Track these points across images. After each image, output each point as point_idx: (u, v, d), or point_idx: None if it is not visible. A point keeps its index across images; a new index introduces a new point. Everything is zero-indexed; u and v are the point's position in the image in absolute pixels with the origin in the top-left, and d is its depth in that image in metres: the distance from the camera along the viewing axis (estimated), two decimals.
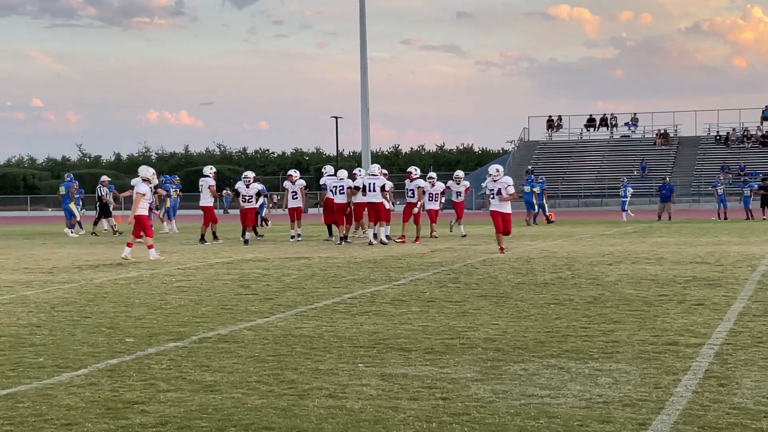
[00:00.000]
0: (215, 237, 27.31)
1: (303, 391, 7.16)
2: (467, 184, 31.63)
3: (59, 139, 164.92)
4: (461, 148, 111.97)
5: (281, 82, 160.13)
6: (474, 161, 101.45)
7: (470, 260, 19.25)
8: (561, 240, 26.57)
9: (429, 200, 27.62)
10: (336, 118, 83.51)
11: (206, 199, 26.92)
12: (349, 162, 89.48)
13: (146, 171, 21.26)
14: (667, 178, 47.41)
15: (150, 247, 20.77)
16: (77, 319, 11.33)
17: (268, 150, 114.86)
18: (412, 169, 27.32)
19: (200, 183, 27.29)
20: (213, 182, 26.81)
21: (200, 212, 27.51)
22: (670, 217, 41.14)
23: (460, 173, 31.12)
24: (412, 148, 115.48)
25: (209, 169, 27.52)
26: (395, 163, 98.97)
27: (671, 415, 6.25)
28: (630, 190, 44.77)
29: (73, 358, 8.68)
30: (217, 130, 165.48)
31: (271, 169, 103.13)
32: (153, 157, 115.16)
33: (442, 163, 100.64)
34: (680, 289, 13.46)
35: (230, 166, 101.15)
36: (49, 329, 10.53)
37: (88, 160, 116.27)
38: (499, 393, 7.01)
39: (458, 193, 30.35)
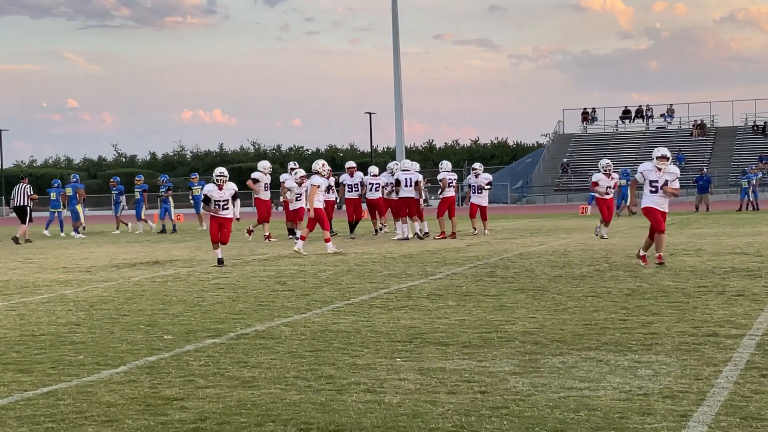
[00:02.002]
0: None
1: (341, 386, 7.16)
2: (488, 177, 28.98)
3: (95, 140, 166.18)
4: (496, 142, 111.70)
5: (314, 79, 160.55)
6: (509, 155, 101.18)
7: (506, 254, 19.18)
8: None
9: (473, 193, 26.64)
10: (369, 114, 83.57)
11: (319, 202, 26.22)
12: (384, 158, 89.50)
13: (316, 164, 21.13)
14: (705, 169, 47.06)
15: (327, 240, 20.74)
16: (116, 317, 11.40)
17: (302, 147, 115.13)
18: (442, 163, 26.67)
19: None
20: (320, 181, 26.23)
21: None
22: (708, 208, 40.83)
23: (477, 165, 27.96)
24: (446, 143, 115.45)
25: (293, 164, 26.98)
26: (429, 158, 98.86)
27: (712, 407, 6.19)
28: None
29: (112, 356, 8.73)
30: (251, 128, 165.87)
31: (305, 166, 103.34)
32: (188, 156, 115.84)
33: (477, 157, 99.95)
34: (719, 280, 13.34)
35: None
36: (89, 327, 10.60)
37: (123, 160, 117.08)
38: (537, 386, 6.98)
39: (479, 188, 27.56)
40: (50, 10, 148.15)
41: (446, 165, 26.35)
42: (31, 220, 29.96)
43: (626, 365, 7.65)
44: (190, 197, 35.76)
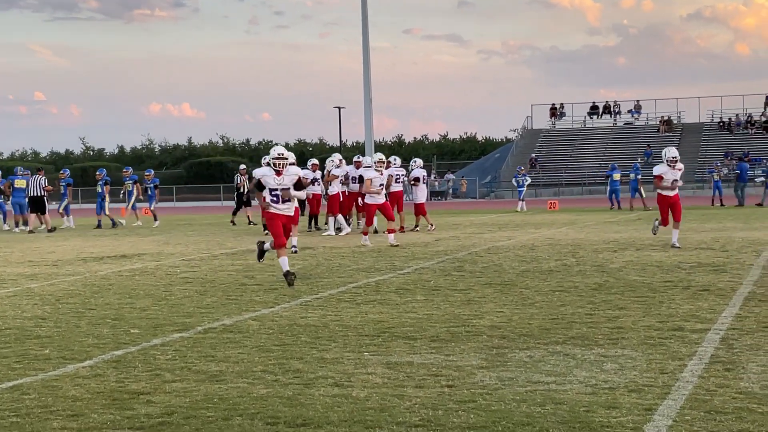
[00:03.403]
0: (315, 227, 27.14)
1: (308, 380, 7.15)
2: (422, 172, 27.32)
3: (62, 133, 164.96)
4: (465, 137, 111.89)
5: (283, 73, 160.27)
6: (478, 150, 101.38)
7: (474, 249, 19.23)
8: (565, 227, 26.55)
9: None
10: (339, 108, 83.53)
11: (334, 187, 25.59)
12: (353, 153, 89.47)
13: (370, 158, 21.26)
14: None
15: (390, 231, 20.56)
16: (82, 311, 11.33)
17: (271, 141, 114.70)
18: (391, 158, 26.24)
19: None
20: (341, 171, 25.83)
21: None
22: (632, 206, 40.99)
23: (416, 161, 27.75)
24: (415, 137, 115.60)
25: (338, 156, 26.74)
26: (399, 153, 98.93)
27: (677, 401, 6.24)
28: (528, 180, 42.75)
29: (78, 350, 8.68)
30: (220, 121, 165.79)
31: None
32: (156, 150, 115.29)
33: (446, 152, 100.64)
34: (685, 275, 13.44)
35: (234, 158, 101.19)
36: (54, 321, 10.53)
37: (91, 153, 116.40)
38: (504, 380, 7.00)
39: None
40: (17, 2, 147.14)
41: (418, 162, 26.86)
42: (45, 211, 31.55)
43: (592, 359, 7.69)
44: (122, 192, 34.66)
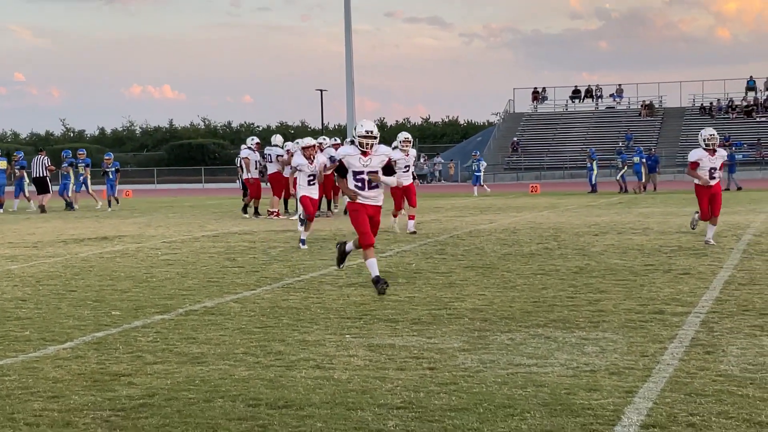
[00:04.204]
0: (256, 212, 26.01)
1: (290, 362, 7.15)
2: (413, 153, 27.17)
3: (42, 114, 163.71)
4: (446, 120, 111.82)
5: (265, 56, 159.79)
6: (459, 134, 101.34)
7: (456, 232, 19.24)
8: (547, 211, 26.60)
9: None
10: (321, 91, 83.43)
11: (273, 169, 25.64)
12: (335, 135, 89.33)
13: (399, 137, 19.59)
14: (653, 149, 47.46)
15: (411, 217, 19.22)
16: (63, 292, 11.29)
17: (253, 123, 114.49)
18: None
19: (267, 153, 26.18)
20: (282, 152, 25.84)
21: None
22: (655, 188, 41.25)
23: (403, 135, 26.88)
24: (397, 120, 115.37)
25: (279, 139, 26.47)
26: (381, 136, 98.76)
27: (658, 383, 6.26)
28: (484, 164, 43.00)
29: (59, 332, 8.65)
30: (201, 103, 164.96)
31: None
32: (137, 132, 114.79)
33: (428, 135, 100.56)
34: (666, 259, 13.49)
35: (215, 140, 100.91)
36: (35, 303, 10.49)
37: (71, 135, 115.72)
38: (486, 362, 7.02)
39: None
40: None
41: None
42: (49, 190, 32.27)
43: (573, 342, 7.71)
44: (61, 173, 33.94)
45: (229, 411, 5.81)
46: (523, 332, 8.17)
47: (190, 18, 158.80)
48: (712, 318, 8.68)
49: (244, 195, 27.23)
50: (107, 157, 34.70)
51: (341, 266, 12.29)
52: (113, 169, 33.63)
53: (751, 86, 71.33)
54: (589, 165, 41.74)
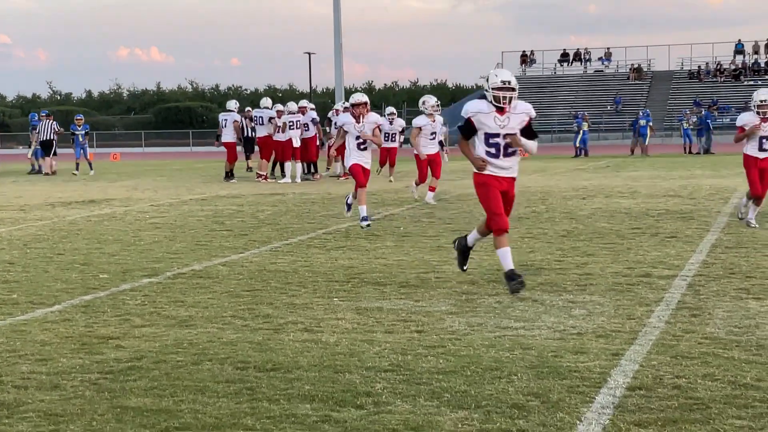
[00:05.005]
0: (231, 175, 25.95)
1: (278, 326, 7.17)
2: (402, 123, 26.15)
3: (29, 76, 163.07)
4: (435, 84, 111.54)
5: (252, 18, 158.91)
6: (448, 97, 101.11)
7: (444, 196, 19.24)
8: (535, 174, 26.62)
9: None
10: (309, 54, 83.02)
11: (229, 136, 25.94)
12: (323, 98, 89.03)
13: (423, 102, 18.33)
14: (641, 113, 47.42)
15: (432, 189, 17.78)
16: (50, 255, 11.27)
17: (240, 87, 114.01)
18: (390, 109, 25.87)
19: (222, 119, 26.37)
20: (238, 117, 25.90)
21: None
22: (643, 152, 41.29)
23: (390, 109, 26.06)
24: (385, 84, 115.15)
25: (233, 104, 26.58)
26: (370, 99, 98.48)
27: (644, 346, 6.30)
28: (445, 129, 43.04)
29: (47, 295, 8.64)
30: (189, 66, 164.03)
31: (244, 105, 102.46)
32: (125, 95, 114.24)
33: (416, 99, 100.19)
34: (653, 222, 13.52)
35: (203, 103, 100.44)
36: (23, 266, 10.47)
37: (58, 98, 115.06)
38: (473, 325, 7.04)
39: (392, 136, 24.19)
40: None
41: (389, 109, 26.27)
42: (56, 153, 32.42)
43: (561, 305, 7.74)
44: (72, 140, 33.65)
45: (217, 374, 5.83)
46: (511, 295, 8.19)
47: None
48: (698, 281, 8.72)
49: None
50: (78, 118, 34.01)
51: (465, 268, 9.22)
52: (83, 132, 33.00)
53: (739, 49, 71.28)
54: (578, 129, 41.99)
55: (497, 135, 8.62)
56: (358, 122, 14.12)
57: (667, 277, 8.98)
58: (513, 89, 8.66)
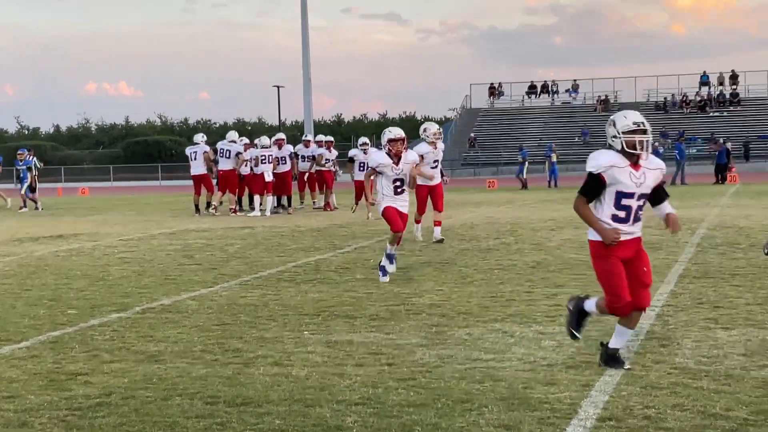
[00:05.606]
0: (208, 205, 25.55)
1: (248, 360, 7.14)
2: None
3: None
4: (404, 116, 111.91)
5: (221, 52, 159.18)
6: (417, 130, 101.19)
7: (414, 227, 19.22)
8: (504, 206, 26.71)
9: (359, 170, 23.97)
10: (278, 87, 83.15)
11: (200, 168, 25.41)
12: (292, 132, 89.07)
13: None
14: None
15: (437, 224, 16.61)
16: (18, 291, 11.18)
17: (210, 120, 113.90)
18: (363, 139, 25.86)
19: (191, 152, 25.91)
20: (207, 148, 25.55)
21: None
22: None
23: (363, 140, 25.28)
24: (354, 117, 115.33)
25: (200, 137, 26.19)
26: (338, 132, 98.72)
27: (614, 376, 6.32)
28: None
29: (14, 331, 8.56)
30: (158, 100, 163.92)
31: (213, 139, 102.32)
32: (93, 129, 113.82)
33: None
34: None
35: (172, 137, 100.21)
36: None
37: (26, 132, 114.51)
38: (444, 358, 7.04)
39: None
40: None
41: (362, 139, 26.03)
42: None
43: (531, 336, 7.76)
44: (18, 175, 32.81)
45: (186, 409, 5.79)
46: (481, 327, 8.21)
47: (146, 14, 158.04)
48: (667, 311, 8.77)
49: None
50: (19, 153, 32.64)
51: (579, 334, 7.16)
52: (24, 167, 31.69)
53: (704, 81, 72.03)
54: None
55: (632, 195, 6.94)
56: (396, 163, 11.90)
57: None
58: (646, 131, 6.89)
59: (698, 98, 70.92)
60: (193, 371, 6.80)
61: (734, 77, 71.28)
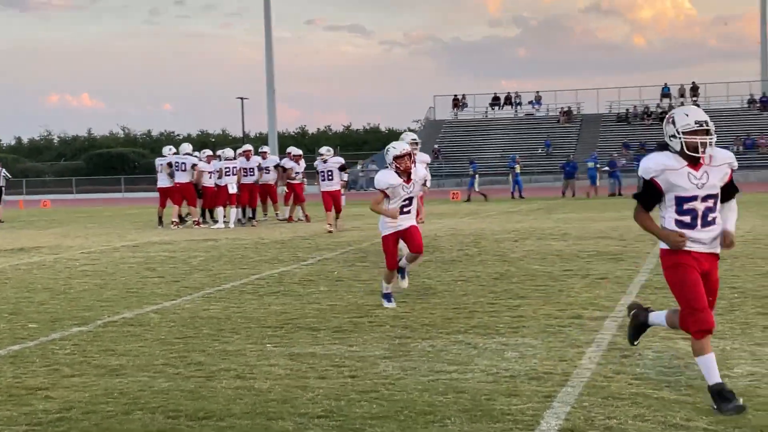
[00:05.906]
0: (182, 219, 25.53)
1: (210, 373, 7.11)
2: (339, 159, 24.70)
3: None
4: (368, 128, 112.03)
5: (184, 64, 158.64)
6: (381, 141, 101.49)
7: (377, 239, 19.20)
8: (468, 218, 26.78)
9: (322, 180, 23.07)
10: (241, 99, 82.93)
11: (167, 180, 25.05)
12: (256, 144, 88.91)
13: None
14: (571, 156, 48.08)
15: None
16: None
17: (173, 132, 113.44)
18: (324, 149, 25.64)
19: (159, 163, 25.49)
20: (196, 161, 25.23)
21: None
22: (574, 194, 41.78)
23: (324, 150, 23.95)
24: (318, 128, 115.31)
25: (168, 149, 25.67)
26: (302, 143, 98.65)
27: (576, 387, 6.35)
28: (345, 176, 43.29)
29: None
30: (120, 112, 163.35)
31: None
32: (55, 141, 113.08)
33: (350, 143, 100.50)
34: (584, 264, 13.66)
35: (135, 149, 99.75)
36: None
37: None
38: (407, 370, 7.04)
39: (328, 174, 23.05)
40: None
41: (324, 149, 25.69)
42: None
43: (494, 348, 7.78)
44: None
45: (148, 423, 5.76)
46: (444, 339, 8.22)
47: (108, 26, 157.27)
48: (628, 322, 8.80)
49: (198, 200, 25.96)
50: None
51: (636, 343, 7.19)
52: None
53: (666, 93, 72.61)
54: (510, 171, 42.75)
55: (694, 198, 6.21)
56: (407, 180, 10.38)
57: (598, 318, 9.07)
58: (709, 132, 6.21)
59: (659, 110, 71.49)
60: (154, 385, 6.76)
61: (695, 89, 71.88)
